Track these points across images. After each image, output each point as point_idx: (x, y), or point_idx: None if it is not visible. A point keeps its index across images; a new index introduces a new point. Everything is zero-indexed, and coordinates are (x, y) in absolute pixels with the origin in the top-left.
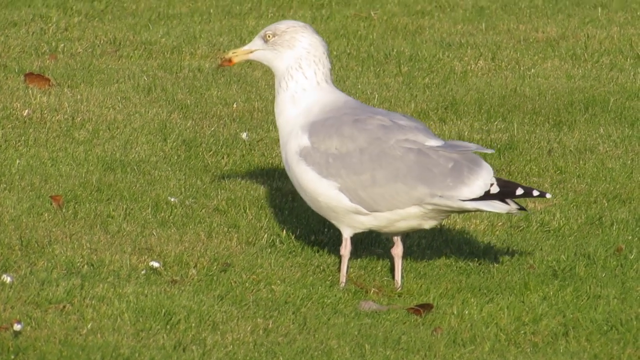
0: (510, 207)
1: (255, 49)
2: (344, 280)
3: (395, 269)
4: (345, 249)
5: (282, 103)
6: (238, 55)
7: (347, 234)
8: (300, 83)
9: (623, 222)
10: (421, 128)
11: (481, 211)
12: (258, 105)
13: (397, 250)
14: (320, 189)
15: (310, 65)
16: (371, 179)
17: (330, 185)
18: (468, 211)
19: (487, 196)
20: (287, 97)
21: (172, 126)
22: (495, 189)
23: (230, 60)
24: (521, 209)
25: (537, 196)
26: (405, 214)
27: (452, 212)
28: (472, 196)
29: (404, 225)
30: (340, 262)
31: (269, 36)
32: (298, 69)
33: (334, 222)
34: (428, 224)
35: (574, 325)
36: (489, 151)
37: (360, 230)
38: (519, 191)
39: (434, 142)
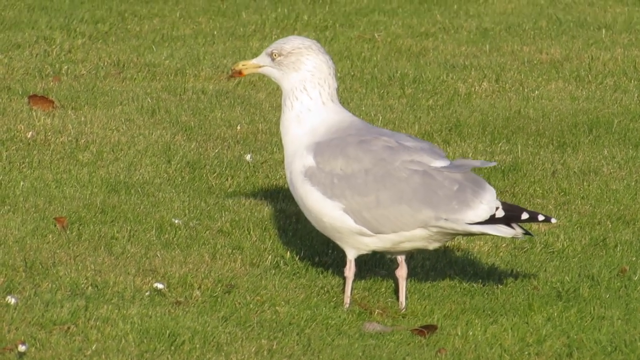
0: (516, 231)
1: (263, 65)
2: (349, 302)
3: (399, 290)
4: (350, 271)
5: (288, 122)
6: (248, 67)
7: (351, 256)
8: (305, 104)
9: (627, 243)
10: (427, 148)
11: (486, 235)
12: (262, 127)
13: (402, 271)
14: (325, 210)
15: (314, 87)
16: (376, 200)
17: (335, 206)
18: (473, 234)
19: (492, 220)
20: (292, 116)
21: (176, 148)
22: (500, 213)
23: (240, 72)
24: (526, 233)
25: (542, 221)
26: (410, 236)
27: (457, 234)
28: (478, 219)
29: (409, 246)
30: (344, 284)
31: (275, 55)
32: (303, 90)
33: (338, 242)
34: (432, 246)
35: (578, 346)
36: (492, 164)
37: (365, 252)
38: (524, 215)
39: (439, 163)
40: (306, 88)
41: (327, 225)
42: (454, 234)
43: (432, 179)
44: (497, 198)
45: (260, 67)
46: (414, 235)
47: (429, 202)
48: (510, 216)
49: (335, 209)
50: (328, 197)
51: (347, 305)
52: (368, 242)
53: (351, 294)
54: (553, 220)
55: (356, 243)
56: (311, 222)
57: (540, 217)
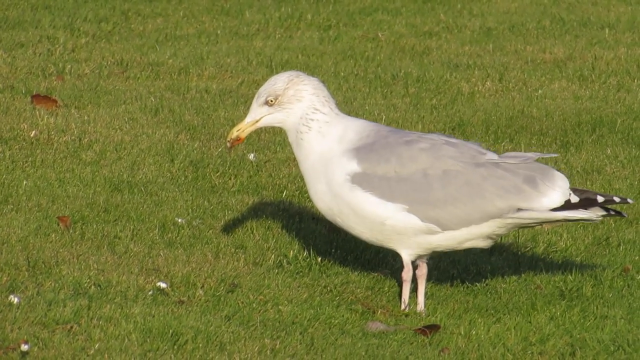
0: (597, 214)
1: (260, 117)
2: (405, 305)
3: (418, 290)
4: (407, 274)
5: (309, 144)
6: (244, 130)
7: (408, 259)
8: (321, 119)
9: (630, 242)
10: (469, 144)
11: (569, 220)
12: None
13: (422, 271)
14: (387, 213)
15: (323, 104)
16: (443, 197)
17: (397, 207)
18: (551, 221)
19: (568, 205)
20: (313, 135)
21: (179, 147)
22: (575, 199)
23: (238, 139)
24: (618, 213)
25: (619, 202)
26: (478, 231)
27: (532, 224)
28: (553, 206)
29: (469, 244)
30: (401, 287)
31: (270, 101)
32: (314, 111)
33: (393, 246)
34: (488, 243)
35: (581, 346)
36: (553, 155)
37: (423, 253)
38: (600, 198)
39: (491, 156)
40: (317, 108)
41: (388, 227)
42: (529, 224)
43: (497, 171)
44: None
45: (257, 122)
46: (482, 229)
47: (500, 194)
48: (586, 200)
49: (398, 211)
50: (387, 199)
51: (405, 308)
52: (433, 241)
53: (408, 297)
54: (630, 201)
55: (418, 243)
56: (356, 229)
57: (617, 199)
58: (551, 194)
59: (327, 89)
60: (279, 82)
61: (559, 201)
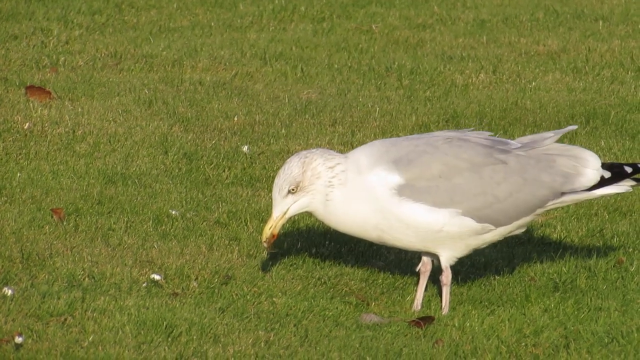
0: (628, 185)
1: (287, 208)
2: (448, 309)
3: (418, 285)
4: (448, 277)
5: (337, 196)
6: (276, 226)
7: (448, 262)
8: (339, 174)
9: (624, 234)
10: (487, 135)
11: (608, 196)
12: (259, 119)
13: (427, 267)
14: (443, 220)
15: (334, 166)
16: (493, 196)
17: (451, 212)
18: (590, 199)
19: (602, 182)
20: (337, 189)
21: (173, 139)
22: (607, 174)
23: (273, 236)
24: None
25: None
26: (525, 221)
27: (573, 204)
28: (591, 184)
29: (509, 235)
30: (442, 292)
31: (293, 189)
32: (332, 176)
33: (439, 250)
34: (524, 230)
35: (575, 337)
36: (573, 127)
37: (465, 254)
38: (628, 169)
39: (516, 145)
40: (335, 173)
41: (444, 234)
42: (570, 205)
43: (530, 161)
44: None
45: (284, 214)
46: (528, 219)
47: (543, 182)
48: (617, 173)
49: (453, 216)
50: (439, 206)
51: (446, 312)
52: (484, 239)
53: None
54: None
55: (467, 245)
56: (405, 240)
57: None
58: (587, 173)
59: (331, 153)
60: (294, 169)
61: (595, 179)
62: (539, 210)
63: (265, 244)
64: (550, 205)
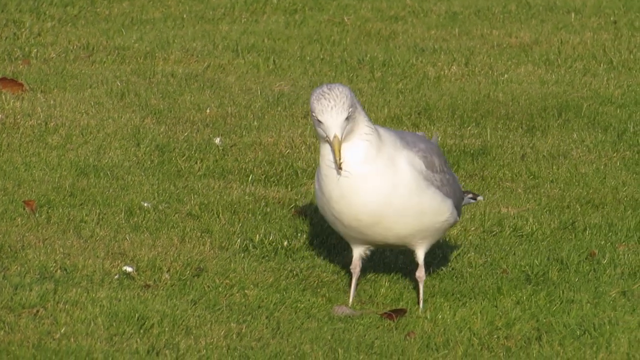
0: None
1: (344, 133)
2: (422, 305)
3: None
4: (424, 273)
5: (375, 145)
6: (337, 149)
7: (424, 257)
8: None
9: (596, 227)
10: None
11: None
12: (231, 111)
13: (357, 268)
14: (449, 209)
15: (370, 123)
16: (460, 194)
17: (450, 203)
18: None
19: None
20: (375, 137)
21: (145, 131)
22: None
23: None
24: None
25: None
26: None
27: None
28: None
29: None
30: (419, 288)
31: (351, 113)
32: (367, 119)
33: (423, 244)
34: None
35: (547, 330)
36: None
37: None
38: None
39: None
40: (373, 126)
41: (445, 225)
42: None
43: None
44: None
45: (341, 138)
46: None
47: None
48: None
49: (452, 206)
50: (445, 195)
51: (422, 308)
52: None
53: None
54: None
55: (441, 237)
56: (396, 229)
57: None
58: None
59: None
60: (343, 92)
61: None
62: None
63: (342, 165)
64: None
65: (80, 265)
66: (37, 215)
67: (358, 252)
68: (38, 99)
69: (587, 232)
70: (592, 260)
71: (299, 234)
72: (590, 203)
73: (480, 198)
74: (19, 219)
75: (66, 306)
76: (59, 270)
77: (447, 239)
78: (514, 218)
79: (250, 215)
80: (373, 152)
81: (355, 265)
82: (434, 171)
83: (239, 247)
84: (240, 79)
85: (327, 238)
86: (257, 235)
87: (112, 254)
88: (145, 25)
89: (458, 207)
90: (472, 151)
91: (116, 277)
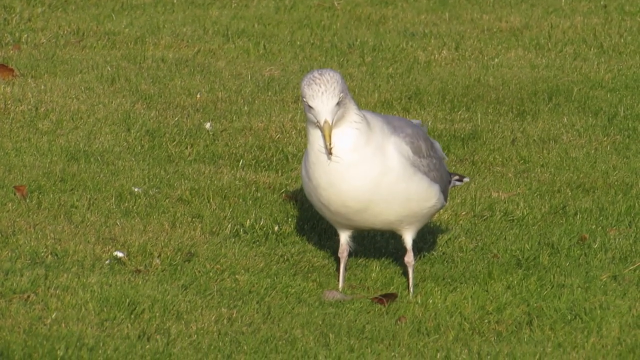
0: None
1: (335, 119)
2: (413, 290)
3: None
4: (413, 258)
5: (365, 133)
6: (328, 134)
7: (412, 243)
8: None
9: (586, 211)
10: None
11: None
12: (222, 96)
13: (345, 252)
14: (436, 195)
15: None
16: (447, 179)
17: (437, 188)
18: None
19: None
20: (364, 125)
21: (135, 116)
22: None
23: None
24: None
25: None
26: None
27: None
28: None
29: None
30: (409, 273)
31: (341, 98)
32: (356, 107)
33: (410, 229)
34: None
35: (537, 314)
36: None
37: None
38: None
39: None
40: (362, 113)
41: (432, 210)
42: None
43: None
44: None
45: (332, 123)
46: None
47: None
48: None
49: (439, 192)
50: (432, 181)
51: (412, 293)
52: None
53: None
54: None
55: (428, 221)
56: (384, 215)
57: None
58: None
59: None
60: (333, 76)
61: None
62: None
63: (332, 150)
64: None
65: (71, 251)
66: (27, 200)
67: (345, 237)
68: (28, 84)
69: (578, 216)
70: (582, 244)
71: (290, 219)
72: (581, 187)
73: (466, 179)
74: (10, 205)
75: (57, 291)
76: (49, 256)
77: (437, 223)
78: (505, 202)
79: (240, 200)
80: (362, 141)
81: (343, 250)
82: (420, 156)
83: (230, 232)
84: (230, 64)
85: (317, 223)
86: (248, 220)
87: (102, 239)
88: (136, 10)
89: (445, 191)
90: (462, 136)
91: (107, 262)
